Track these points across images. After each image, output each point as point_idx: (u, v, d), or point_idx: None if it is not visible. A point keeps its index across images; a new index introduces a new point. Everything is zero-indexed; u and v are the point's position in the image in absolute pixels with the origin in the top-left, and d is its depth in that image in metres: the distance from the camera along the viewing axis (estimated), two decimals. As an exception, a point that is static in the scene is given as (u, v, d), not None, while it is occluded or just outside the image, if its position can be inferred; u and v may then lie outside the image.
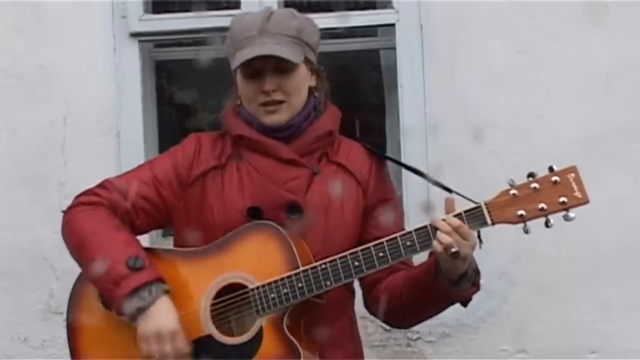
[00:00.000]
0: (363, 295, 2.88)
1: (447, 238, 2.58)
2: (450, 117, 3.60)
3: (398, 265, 2.77)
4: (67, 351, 3.53)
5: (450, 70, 3.62)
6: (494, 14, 3.60)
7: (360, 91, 4.51)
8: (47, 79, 3.68)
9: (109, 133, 3.68)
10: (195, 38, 3.87)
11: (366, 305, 2.89)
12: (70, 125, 3.68)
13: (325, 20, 3.48)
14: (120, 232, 2.76)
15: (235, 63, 2.76)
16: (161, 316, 2.67)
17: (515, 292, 3.57)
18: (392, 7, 3.67)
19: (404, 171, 3.42)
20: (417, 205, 3.46)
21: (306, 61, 2.80)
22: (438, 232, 2.59)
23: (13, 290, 3.66)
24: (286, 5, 3.75)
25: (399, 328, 3.08)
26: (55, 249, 3.61)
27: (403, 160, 3.40)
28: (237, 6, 3.69)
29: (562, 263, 3.56)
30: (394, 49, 3.68)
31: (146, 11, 3.74)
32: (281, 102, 2.78)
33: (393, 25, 3.67)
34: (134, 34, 3.69)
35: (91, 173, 3.53)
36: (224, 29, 3.65)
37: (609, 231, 3.52)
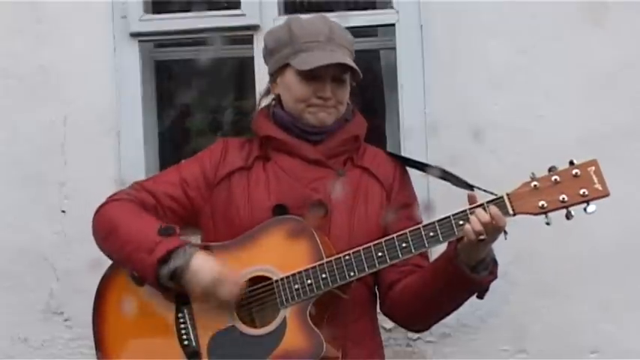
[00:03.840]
0: (380, 298, 2.89)
1: (479, 225, 2.61)
2: (450, 117, 3.60)
3: (413, 269, 2.80)
4: (68, 351, 3.55)
5: (450, 70, 3.62)
6: (494, 14, 3.60)
7: (359, 91, 4.50)
8: (47, 79, 3.68)
9: (109, 133, 3.68)
10: (195, 38, 3.87)
11: (382, 309, 2.91)
12: (70, 125, 3.68)
13: (325, 20, 3.48)
14: (149, 216, 2.83)
15: (303, 65, 2.82)
16: (203, 268, 2.71)
17: (515, 292, 3.57)
18: (392, 7, 3.67)
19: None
20: (417, 204, 3.46)
21: None
22: (472, 218, 2.62)
23: (13, 290, 3.66)
24: (286, 5, 3.76)
25: (416, 330, 3.11)
26: (55, 249, 3.63)
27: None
28: (237, 6, 3.69)
29: (562, 263, 3.56)
30: (394, 49, 3.68)
31: (146, 11, 3.73)
32: (333, 107, 2.87)
33: (393, 25, 3.67)
34: (134, 34, 3.69)
35: (91, 173, 3.55)
36: (224, 29, 3.69)
37: (609, 231, 3.52)
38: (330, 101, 2.86)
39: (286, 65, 2.88)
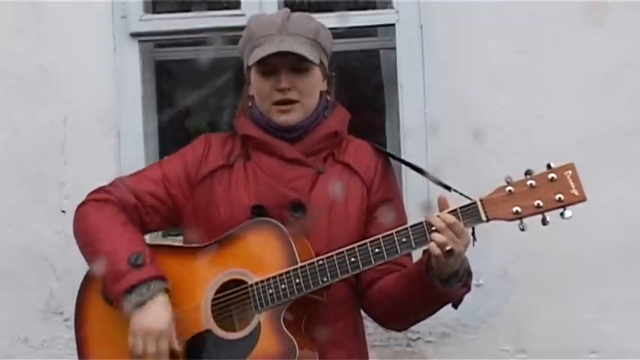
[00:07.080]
0: (360, 295, 2.88)
1: (441, 238, 2.59)
2: (450, 117, 3.60)
3: (394, 267, 2.78)
4: (68, 351, 3.54)
5: (450, 70, 3.62)
6: (494, 14, 3.60)
7: (360, 91, 4.51)
8: (47, 79, 3.68)
9: (109, 133, 3.68)
10: (195, 38, 3.87)
11: (363, 307, 2.90)
12: (70, 125, 3.68)
13: (325, 20, 3.45)
14: (125, 228, 2.81)
15: (253, 59, 2.79)
16: (154, 314, 2.71)
17: (515, 292, 3.57)
18: (392, 7, 3.67)
19: (404, 170, 3.42)
20: (417, 204, 3.46)
21: (321, 64, 2.85)
22: (433, 232, 2.60)
23: (13, 290, 3.66)
24: (286, 5, 3.75)
25: (393, 329, 3.09)
26: (55, 249, 3.63)
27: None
28: (237, 6, 3.69)
29: (562, 263, 3.56)
30: (394, 49, 3.68)
31: (146, 11, 3.74)
32: (295, 102, 2.81)
33: (393, 25, 3.67)
34: (134, 34, 3.69)
35: (91, 173, 3.54)
36: (224, 29, 3.69)
37: (609, 231, 3.52)
38: (290, 93, 2.79)
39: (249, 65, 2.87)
